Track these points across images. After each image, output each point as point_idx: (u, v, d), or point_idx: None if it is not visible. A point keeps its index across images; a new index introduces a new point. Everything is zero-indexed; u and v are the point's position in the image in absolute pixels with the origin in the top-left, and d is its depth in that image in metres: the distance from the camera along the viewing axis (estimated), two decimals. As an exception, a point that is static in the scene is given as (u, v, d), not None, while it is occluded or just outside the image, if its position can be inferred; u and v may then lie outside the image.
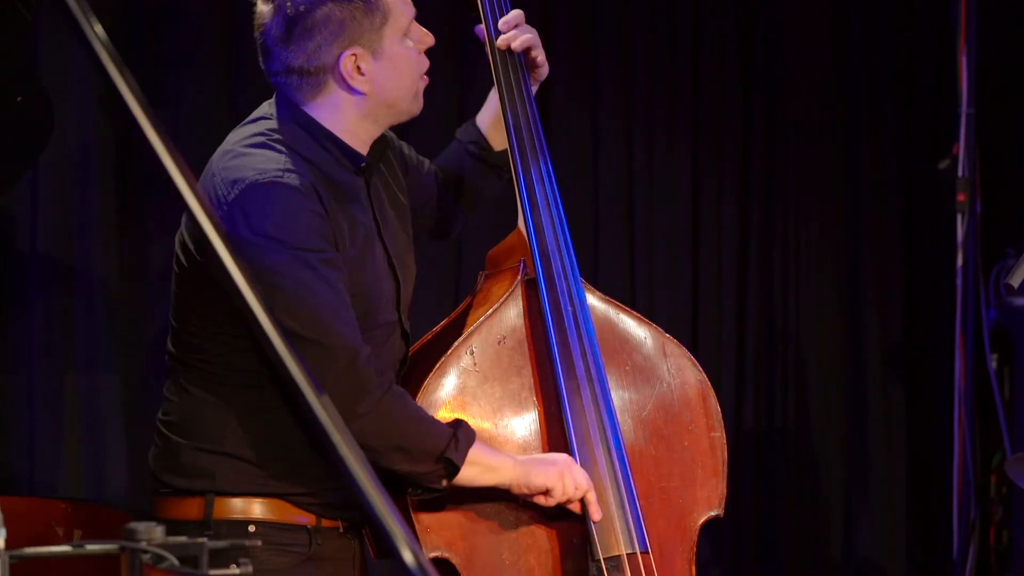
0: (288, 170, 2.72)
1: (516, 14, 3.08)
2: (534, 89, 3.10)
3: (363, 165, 2.85)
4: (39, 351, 4.19)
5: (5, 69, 3.61)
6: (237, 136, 2.84)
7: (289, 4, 2.73)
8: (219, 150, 2.84)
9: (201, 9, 4.40)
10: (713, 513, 3.03)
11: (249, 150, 2.77)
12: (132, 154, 4.29)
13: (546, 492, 2.82)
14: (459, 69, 4.68)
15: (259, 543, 2.04)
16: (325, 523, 2.83)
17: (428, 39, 2.88)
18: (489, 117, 3.18)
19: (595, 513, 2.84)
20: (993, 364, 5.02)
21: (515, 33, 3.05)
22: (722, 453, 3.04)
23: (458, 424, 2.79)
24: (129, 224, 4.31)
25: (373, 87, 2.79)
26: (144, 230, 4.31)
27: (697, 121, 5.11)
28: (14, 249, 4.19)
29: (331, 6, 2.73)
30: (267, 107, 2.87)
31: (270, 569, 2.74)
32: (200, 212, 1.60)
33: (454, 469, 2.75)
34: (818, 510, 5.23)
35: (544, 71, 3.12)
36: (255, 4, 2.80)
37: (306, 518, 2.81)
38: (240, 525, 2.77)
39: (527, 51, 3.07)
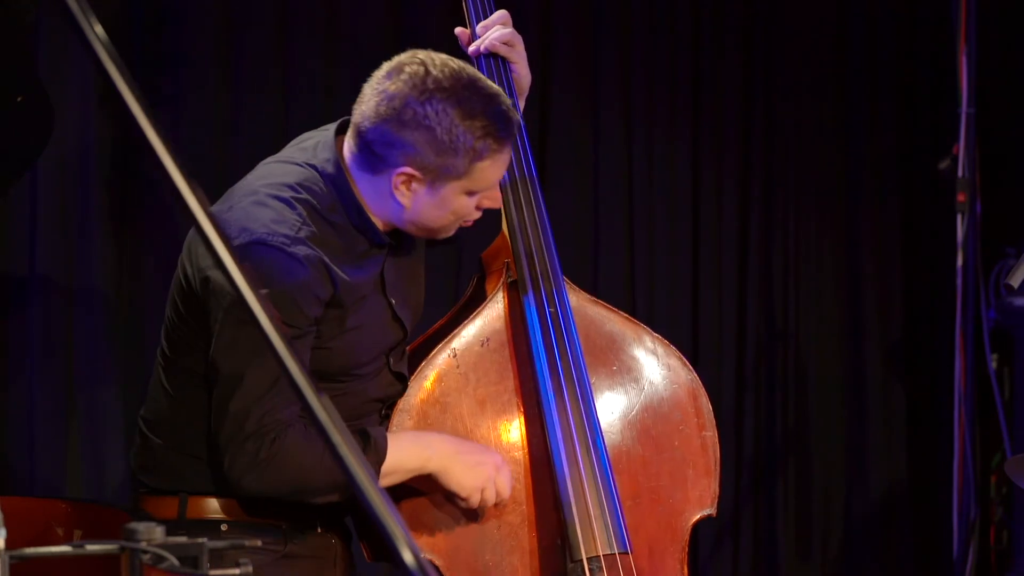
0: (297, 240, 2.68)
1: (499, 15, 3.04)
2: (520, 103, 3.04)
3: (379, 244, 2.82)
4: (39, 351, 4.19)
5: (5, 69, 3.61)
6: (274, 174, 2.79)
7: (406, 101, 2.67)
8: (256, 175, 2.82)
9: (201, 9, 4.40)
10: (705, 512, 3.02)
11: (272, 202, 2.72)
12: (132, 154, 4.29)
13: (462, 497, 2.82)
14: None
15: (259, 543, 2.04)
16: (301, 522, 2.84)
17: (494, 204, 2.84)
18: None
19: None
20: (993, 364, 5.02)
21: (488, 33, 3.00)
22: (714, 452, 3.03)
23: (366, 444, 2.74)
24: (129, 224, 4.31)
25: (412, 206, 2.75)
26: (144, 230, 4.31)
27: (697, 121, 5.11)
28: (14, 249, 4.19)
29: (424, 137, 2.67)
30: (323, 149, 2.80)
31: None
32: (199, 211, 1.60)
33: None
34: (818, 510, 5.22)
35: (523, 81, 3.06)
36: (404, 70, 2.71)
37: (279, 520, 2.82)
38: (212, 525, 2.78)
39: (507, 47, 3.01)
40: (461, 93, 2.68)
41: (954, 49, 4.95)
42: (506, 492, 2.84)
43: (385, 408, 2.91)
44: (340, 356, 2.78)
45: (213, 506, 2.80)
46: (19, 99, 3.59)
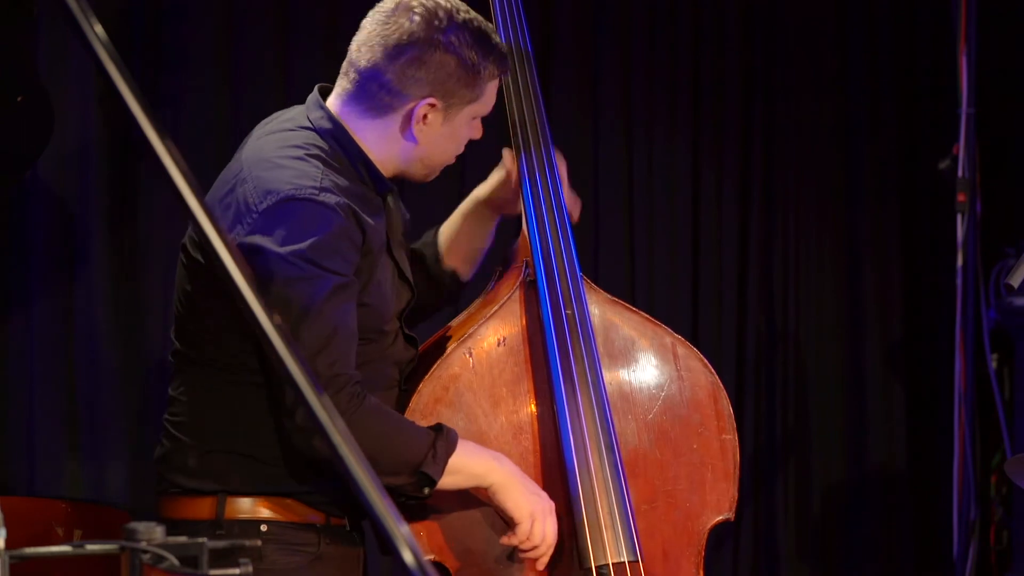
0: (324, 188, 2.71)
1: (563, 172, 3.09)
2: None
3: (384, 191, 2.87)
4: (39, 350, 4.19)
5: (5, 69, 3.61)
6: (274, 142, 2.82)
7: (429, 32, 2.77)
8: (251, 150, 2.82)
9: (201, 9, 4.40)
10: (723, 517, 3.01)
11: (287, 161, 2.75)
12: (132, 153, 4.29)
13: (511, 520, 2.80)
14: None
15: (260, 543, 2.04)
16: (333, 521, 2.84)
17: (478, 134, 2.92)
18: (452, 228, 3.16)
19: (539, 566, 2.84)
20: (993, 364, 5.02)
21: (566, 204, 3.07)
22: (733, 456, 3.02)
23: (438, 433, 2.75)
24: (129, 223, 4.31)
25: (426, 140, 2.83)
26: (144, 229, 4.31)
27: (697, 121, 5.11)
28: (14, 248, 4.19)
29: (453, 61, 2.77)
30: (305, 113, 2.86)
31: (281, 568, 2.75)
32: (198, 210, 1.60)
33: (432, 480, 2.74)
34: (818, 510, 5.22)
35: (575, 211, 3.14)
36: (411, 7, 2.79)
37: (316, 516, 2.81)
38: (251, 525, 2.77)
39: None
40: (467, 21, 2.81)
41: (954, 49, 4.95)
42: (552, 536, 2.80)
43: (402, 378, 2.91)
44: (372, 315, 2.79)
45: (250, 506, 2.78)
46: (19, 99, 3.60)
